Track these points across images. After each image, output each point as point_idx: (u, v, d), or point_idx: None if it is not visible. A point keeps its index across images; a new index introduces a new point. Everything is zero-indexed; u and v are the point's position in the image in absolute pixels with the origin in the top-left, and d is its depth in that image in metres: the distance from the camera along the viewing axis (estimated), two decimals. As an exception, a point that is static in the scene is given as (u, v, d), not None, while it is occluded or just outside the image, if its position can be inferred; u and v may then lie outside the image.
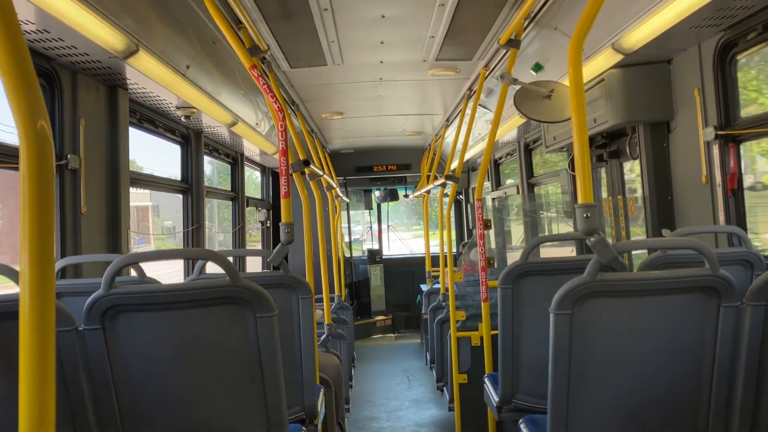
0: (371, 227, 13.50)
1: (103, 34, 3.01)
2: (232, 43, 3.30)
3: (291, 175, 3.49)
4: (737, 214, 3.65)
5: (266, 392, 2.34)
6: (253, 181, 9.53)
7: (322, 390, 3.52)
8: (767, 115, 3.40)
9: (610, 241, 2.14)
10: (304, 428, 3.01)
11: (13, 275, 2.14)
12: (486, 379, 3.70)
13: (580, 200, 2.12)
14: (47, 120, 1.04)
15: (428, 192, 9.22)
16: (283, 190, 3.28)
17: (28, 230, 1.01)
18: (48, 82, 3.44)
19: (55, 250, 3.50)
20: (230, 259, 2.50)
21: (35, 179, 1.03)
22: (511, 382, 3.20)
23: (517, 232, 8.72)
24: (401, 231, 15.49)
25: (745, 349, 2.07)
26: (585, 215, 2.08)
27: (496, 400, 3.28)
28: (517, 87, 3.93)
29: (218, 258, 2.38)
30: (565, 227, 6.88)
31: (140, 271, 3.20)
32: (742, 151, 3.69)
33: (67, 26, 2.80)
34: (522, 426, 2.89)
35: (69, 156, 3.53)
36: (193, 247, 5.65)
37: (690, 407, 2.22)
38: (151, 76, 3.71)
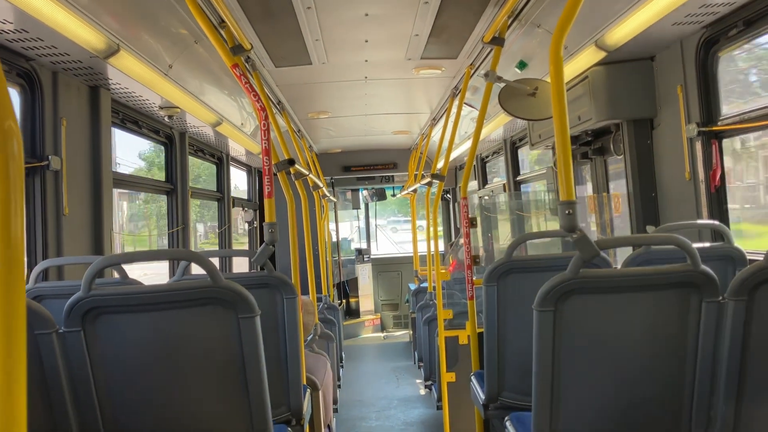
0: (359, 227, 13.50)
1: (83, 33, 2.99)
2: (213, 42, 3.28)
3: (276, 175, 3.47)
4: (720, 210, 3.68)
5: (250, 393, 2.33)
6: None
7: (308, 391, 3.50)
8: (749, 111, 3.42)
9: (594, 237, 2.14)
10: (290, 429, 2.99)
11: None
12: (472, 377, 3.70)
13: (562, 197, 2.13)
14: (15, 119, 1.02)
15: (415, 191, 9.22)
16: (266, 189, 3.26)
17: None
18: (28, 83, 3.40)
19: (37, 252, 3.47)
20: (216, 260, 2.49)
21: (3, 180, 1.01)
22: (497, 380, 3.20)
23: (505, 230, 8.74)
24: (390, 229, 15.51)
25: (727, 343, 2.08)
26: (567, 212, 2.09)
27: (483, 398, 3.28)
28: (502, 85, 3.93)
29: (200, 259, 2.36)
30: (554, 225, 6.89)
31: (122, 273, 3.17)
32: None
33: (46, 26, 2.77)
34: (508, 424, 2.89)
35: (50, 157, 3.49)
36: (177, 248, 5.62)
37: (673, 402, 2.23)
38: (133, 76, 3.68)
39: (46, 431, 2.17)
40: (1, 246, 1.00)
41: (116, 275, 3.27)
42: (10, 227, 1.00)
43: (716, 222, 3.42)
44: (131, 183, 4.99)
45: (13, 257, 1.00)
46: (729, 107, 3.66)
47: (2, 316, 0.99)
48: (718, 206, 3.67)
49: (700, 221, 3.70)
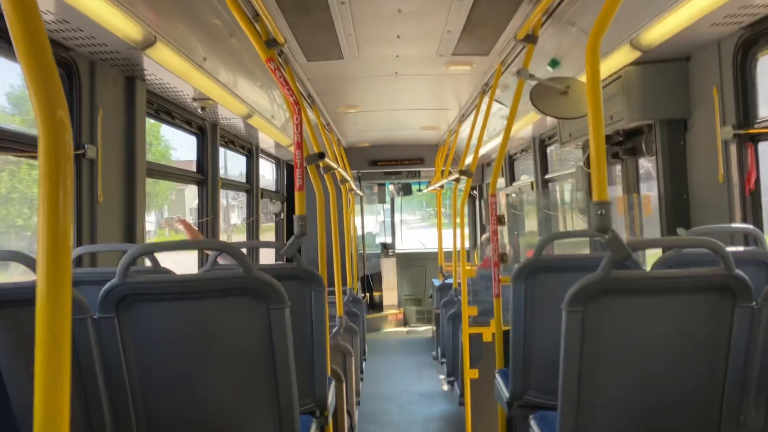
0: (384, 221, 13.53)
1: (121, 24, 3.03)
2: (249, 35, 3.31)
3: (305, 167, 3.50)
4: (754, 215, 3.62)
5: (278, 384, 2.36)
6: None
7: (333, 382, 3.54)
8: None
9: (623, 238, 2.13)
10: (314, 420, 3.03)
11: (30, 263, 2.17)
12: (497, 375, 3.70)
13: (594, 197, 2.12)
14: (66, 110, 1.05)
15: (442, 187, 9.21)
16: (297, 182, 3.29)
17: (45, 219, 1.02)
18: (66, 72, 3.47)
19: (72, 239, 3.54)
20: (244, 250, 2.52)
21: (53, 169, 1.04)
22: (522, 379, 3.20)
23: (532, 228, 8.70)
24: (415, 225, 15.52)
25: (759, 350, 2.06)
26: (599, 212, 2.08)
27: (507, 395, 3.28)
28: (533, 83, 3.91)
29: (232, 250, 2.39)
30: (581, 224, 6.85)
31: (155, 261, 3.22)
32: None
33: (86, 17, 2.82)
34: (532, 422, 2.89)
35: (86, 146, 3.56)
36: (210, 239, 5.69)
37: (702, 408, 2.21)
38: (168, 67, 3.73)
39: (80, 414, 2.22)
40: (50, 234, 1.03)
41: (148, 263, 3.32)
42: (58, 215, 1.03)
43: (750, 226, 3.37)
44: (164, 173, 5.07)
45: (61, 244, 1.04)
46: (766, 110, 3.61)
47: (50, 302, 1.03)
48: (753, 210, 3.62)
49: (734, 225, 3.64)
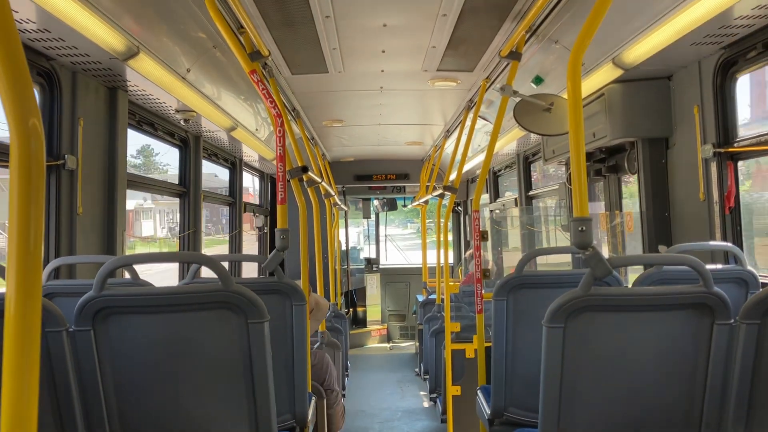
0: (368, 235, 13.51)
1: (104, 35, 3.02)
2: (232, 47, 3.30)
3: (289, 181, 3.48)
4: (734, 232, 3.65)
5: (256, 398, 2.33)
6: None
7: (313, 398, 3.50)
8: (766, 134, 3.41)
9: (606, 255, 2.14)
10: None
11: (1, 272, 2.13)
12: (479, 392, 3.68)
13: (575, 213, 2.12)
14: (39, 118, 1.04)
15: (426, 202, 9.22)
16: (279, 196, 3.27)
17: (16, 228, 1.00)
18: (48, 82, 3.44)
19: (50, 250, 3.49)
20: (225, 263, 2.49)
21: (25, 177, 1.02)
22: (503, 395, 3.18)
23: (515, 244, 8.72)
24: (399, 239, 15.50)
25: (738, 367, 2.06)
26: (580, 229, 2.08)
27: (488, 412, 3.27)
28: (517, 99, 3.93)
29: (212, 263, 2.37)
30: (564, 240, 6.88)
31: (134, 274, 3.19)
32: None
33: (68, 26, 2.80)
34: None
35: (66, 156, 3.52)
36: (190, 251, 5.64)
37: (682, 424, 2.21)
38: (151, 79, 3.71)
39: (53, 427, 2.17)
40: (20, 243, 1.01)
41: (127, 275, 3.28)
42: (29, 225, 1.01)
43: (730, 244, 3.40)
44: (145, 184, 5.02)
45: (31, 255, 1.01)
46: (745, 129, 3.65)
47: (19, 313, 1.00)
48: (732, 228, 3.65)
49: (713, 243, 3.67)
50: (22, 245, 1.01)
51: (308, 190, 5.06)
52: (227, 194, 7.44)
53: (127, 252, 4.20)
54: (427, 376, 7.40)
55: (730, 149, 3.61)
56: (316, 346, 4.86)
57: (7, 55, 1.00)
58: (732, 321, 2.10)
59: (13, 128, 1.02)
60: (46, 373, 2.13)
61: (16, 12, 2.64)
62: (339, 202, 9.53)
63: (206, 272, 4.00)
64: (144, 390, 2.33)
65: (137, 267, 3.20)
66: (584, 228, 2.08)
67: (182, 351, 2.33)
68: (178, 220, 5.85)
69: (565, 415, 2.18)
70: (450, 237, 11.81)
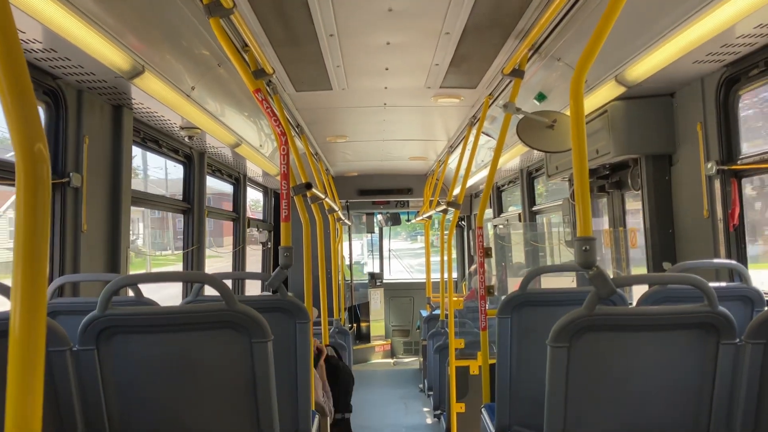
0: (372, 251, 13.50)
1: (109, 54, 3.04)
2: (237, 66, 3.32)
3: (292, 198, 3.49)
4: (738, 250, 3.64)
5: (260, 417, 2.32)
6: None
7: (317, 416, 3.48)
8: (769, 151, 3.41)
9: (610, 273, 2.13)
10: None
11: (5, 292, 2.14)
12: (483, 409, 3.66)
13: (579, 232, 2.12)
14: (45, 142, 1.04)
15: (430, 217, 9.22)
16: (283, 213, 3.28)
17: (21, 250, 1.01)
18: (53, 100, 3.46)
19: (54, 267, 3.50)
20: (228, 282, 2.49)
21: (31, 200, 1.02)
22: (507, 413, 3.16)
23: (519, 260, 8.70)
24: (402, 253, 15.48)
25: (744, 387, 2.05)
26: (584, 248, 2.07)
27: (493, 431, 3.25)
28: (520, 116, 3.94)
29: (215, 282, 2.37)
30: (568, 255, 6.86)
31: (137, 292, 3.19)
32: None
33: (73, 46, 2.82)
34: None
35: (71, 174, 3.54)
36: (192, 270, 5.64)
37: None
38: (156, 97, 3.73)
39: None
40: (25, 266, 1.01)
41: (130, 293, 3.28)
42: (35, 247, 1.02)
43: (734, 262, 3.38)
44: (149, 201, 5.04)
45: (36, 277, 1.02)
46: (749, 145, 3.65)
47: (24, 332, 1.00)
48: (737, 245, 3.64)
49: (717, 260, 3.66)
50: (27, 267, 1.01)
51: (312, 205, 5.07)
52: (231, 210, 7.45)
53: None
54: (431, 393, 7.36)
55: (734, 166, 3.61)
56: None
57: (13, 80, 1.01)
58: (737, 340, 2.09)
59: (18, 153, 1.03)
60: (49, 392, 2.12)
61: (23, 32, 2.67)
62: (342, 217, 9.53)
63: (210, 289, 4.00)
64: (147, 409, 2.32)
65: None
66: (588, 247, 2.07)
67: (186, 370, 2.32)
68: (171, 233, 5.85)
69: None
70: (453, 253, 11.80)
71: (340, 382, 5.33)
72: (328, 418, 4.59)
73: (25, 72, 1.02)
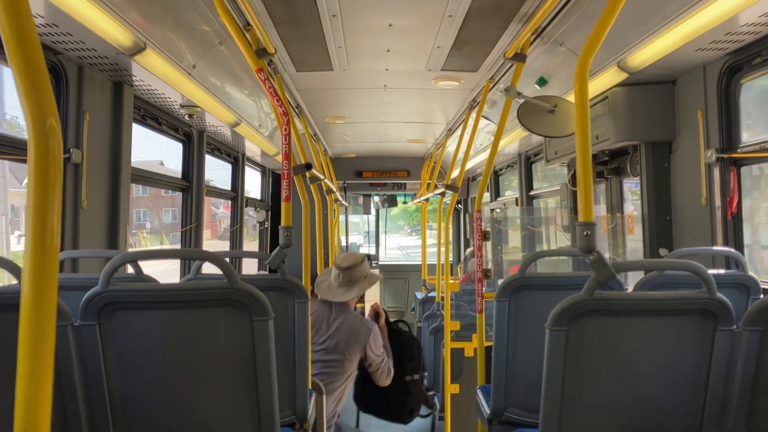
0: (368, 232, 13.52)
1: (111, 30, 3.02)
2: (239, 44, 3.31)
3: (292, 178, 3.49)
4: (735, 238, 3.67)
5: (258, 395, 2.34)
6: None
7: (314, 395, 3.52)
8: (769, 140, 3.42)
9: (606, 256, 2.15)
10: None
11: (15, 271, 2.15)
12: (478, 391, 3.70)
13: (580, 218, 2.13)
14: (57, 118, 1.05)
15: (427, 200, 9.24)
16: (284, 193, 3.28)
17: (32, 226, 1.02)
18: (54, 76, 3.44)
19: (56, 244, 3.50)
20: (227, 259, 2.50)
21: (42, 176, 1.03)
22: (503, 395, 3.20)
23: (515, 244, 8.74)
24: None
25: (740, 373, 2.08)
26: (585, 233, 2.09)
27: (488, 412, 3.28)
28: (521, 101, 3.94)
29: (217, 260, 2.38)
30: (564, 240, 6.89)
31: (138, 269, 3.20)
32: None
33: (76, 21, 2.81)
34: None
35: (72, 150, 3.53)
36: (192, 247, 5.65)
37: (683, 428, 2.22)
38: (157, 74, 3.71)
39: (57, 422, 2.19)
40: (36, 240, 1.02)
41: (130, 270, 3.29)
42: (47, 222, 1.03)
43: (732, 249, 3.41)
44: (149, 179, 5.03)
45: (48, 251, 1.03)
46: (749, 134, 3.66)
47: (35, 306, 1.02)
48: (734, 234, 3.66)
49: (715, 248, 3.69)
50: (38, 242, 1.02)
51: (311, 186, 5.07)
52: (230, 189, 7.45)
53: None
54: (425, 374, 7.41)
55: (734, 155, 3.62)
56: None
57: (27, 57, 1.01)
58: (734, 327, 2.11)
59: (31, 128, 1.03)
60: None
61: None
62: (340, 198, 9.54)
63: (207, 268, 4.01)
64: (147, 385, 2.34)
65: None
66: (589, 232, 2.09)
67: (186, 347, 2.34)
68: (179, 215, 5.86)
69: (566, 418, 2.20)
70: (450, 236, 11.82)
71: (403, 345, 5.41)
72: (389, 376, 4.76)
73: (37, 47, 1.03)
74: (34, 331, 1.02)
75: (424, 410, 6.07)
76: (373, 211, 13.13)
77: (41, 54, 1.04)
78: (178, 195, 5.83)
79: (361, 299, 6.05)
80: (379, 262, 12.56)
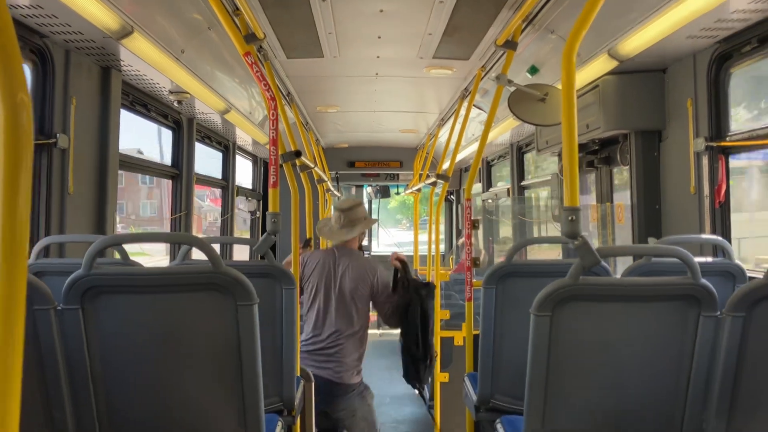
0: None
1: (98, 13, 2.99)
2: (227, 29, 3.28)
3: (282, 166, 3.47)
4: (723, 226, 3.67)
5: (243, 381, 2.33)
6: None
7: (302, 382, 3.51)
8: (758, 128, 3.42)
9: (596, 246, 2.14)
10: (281, 419, 3.00)
11: None
12: (466, 379, 3.71)
13: (566, 203, 2.12)
14: (27, 93, 1.03)
15: (419, 190, 9.23)
16: (271, 179, 3.26)
17: (2, 203, 1.00)
18: (40, 59, 3.41)
19: (40, 228, 3.48)
20: (216, 246, 2.49)
21: (13, 152, 1.01)
22: (490, 383, 3.20)
23: (506, 234, 8.75)
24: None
25: (722, 359, 2.08)
26: (570, 218, 2.08)
27: (475, 399, 3.29)
28: (512, 89, 3.92)
29: (201, 244, 2.36)
30: (555, 230, 6.91)
31: (124, 254, 3.18)
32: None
33: (61, 3, 2.77)
34: (498, 426, 2.89)
35: (58, 135, 3.50)
36: (180, 232, 5.63)
37: (666, 412, 2.23)
38: (145, 59, 3.68)
39: (40, 407, 2.18)
40: (6, 219, 1.00)
41: (117, 255, 3.27)
42: (17, 200, 1.00)
43: (719, 237, 3.42)
44: (137, 165, 5.00)
45: (17, 231, 1.01)
46: (737, 124, 3.66)
47: (3, 290, 1.00)
48: (722, 222, 3.67)
49: (703, 236, 3.69)
50: (8, 220, 1.00)
51: (301, 175, 5.05)
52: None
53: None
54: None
55: (722, 143, 3.62)
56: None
57: None
58: (718, 313, 2.12)
59: (1, 103, 1.01)
60: (34, 351, 2.12)
61: None
62: (332, 188, 9.52)
63: (197, 255, 4.00)
64: (131, 370, 2.33)
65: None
66: (574, 217, 2.08)
67: (171, 332, 2.33)
68: (168, 203, 5.84)
69: (551, 403, 2.20)
70: (441, 226, 11.83)
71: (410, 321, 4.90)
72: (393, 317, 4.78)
73: (7, 19, 1.00)
74: (2, 316, 1.00)
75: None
76: (365, 202, 13.12)
77: (12, 26, 1.01)
78: (156, 187, 5.79)
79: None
80: (372, 253, 12.56)
